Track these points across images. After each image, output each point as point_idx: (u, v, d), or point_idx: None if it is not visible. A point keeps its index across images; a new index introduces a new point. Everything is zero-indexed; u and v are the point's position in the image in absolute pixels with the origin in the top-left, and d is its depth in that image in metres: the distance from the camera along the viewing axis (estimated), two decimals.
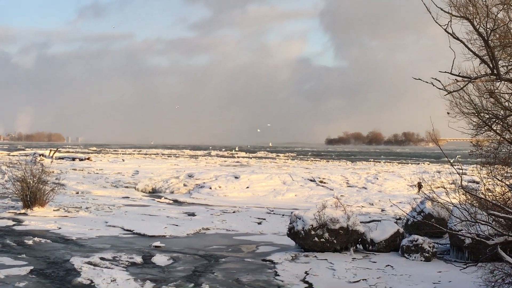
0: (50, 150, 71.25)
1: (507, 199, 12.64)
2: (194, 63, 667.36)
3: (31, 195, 27.57)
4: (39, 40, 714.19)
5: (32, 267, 15.53)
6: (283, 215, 27.33)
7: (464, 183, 13.51)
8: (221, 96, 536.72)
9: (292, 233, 18.69)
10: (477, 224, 11.95)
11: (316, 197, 33.90)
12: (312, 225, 18.16)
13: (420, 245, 17.36)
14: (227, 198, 35.55)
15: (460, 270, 14.46)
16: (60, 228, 22.74)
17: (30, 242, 19.52)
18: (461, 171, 10.33)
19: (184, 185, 40.03)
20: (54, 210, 27.62)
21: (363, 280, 14.69)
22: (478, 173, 15.17)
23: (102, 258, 16.77)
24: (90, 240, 20.37)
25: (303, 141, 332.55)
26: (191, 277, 14.96)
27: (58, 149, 77.73)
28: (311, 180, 41.35)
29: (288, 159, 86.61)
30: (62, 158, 64.28)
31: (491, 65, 7.94)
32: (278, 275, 15.23)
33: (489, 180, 14.49)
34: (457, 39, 10.18)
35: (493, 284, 11.76)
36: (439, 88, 7.84)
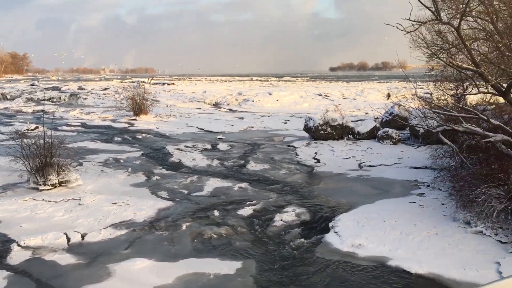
0: (148, 78, 71.71)
1: (446, 103, 12.69)
2: (241, 18, 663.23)
3: (138, 107, 28.19)
4: (139, 5, 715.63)
5: (142, 152, 16.22)
6: (300, 117, 27.44)
7: (421, 94, 13.57)
8: (260, 40, 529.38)
9: (306, 128, 19.02)
10: (427, 119, 12.06)
11: (322, 105, 33.65)
12: (319, 123, 18.44)
13: (390, 134, 17.59)
14: (263, 107, 35.72)
15: (415, 149, 14.76)
16: (158, 128, 23.39)
17: (140, 136, 20.22)
18: (416, 86, 10.33)
19: (236, 99, 40.12)
20: (153, 117, 28.26)
21: (352, 157, 15.07)
22: (429, 87, 15.17)
23: (186, 146, 17.37)
24: (177, 135, 20.94)
25: (314, 69, 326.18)
26: (242, 156, 15.50)
27: (153, 78, 78.08)
28: (319, 95, 41.11)
29: (304, 81, 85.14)
30: (156, 84, 64.41)
31: (435, 13, 7.89)
32: (298, 155, 15.69)
33: (436, 91, 14.54)
34: None
35: (436, 157, 12.05)
36: (401, 30, 7.87)
